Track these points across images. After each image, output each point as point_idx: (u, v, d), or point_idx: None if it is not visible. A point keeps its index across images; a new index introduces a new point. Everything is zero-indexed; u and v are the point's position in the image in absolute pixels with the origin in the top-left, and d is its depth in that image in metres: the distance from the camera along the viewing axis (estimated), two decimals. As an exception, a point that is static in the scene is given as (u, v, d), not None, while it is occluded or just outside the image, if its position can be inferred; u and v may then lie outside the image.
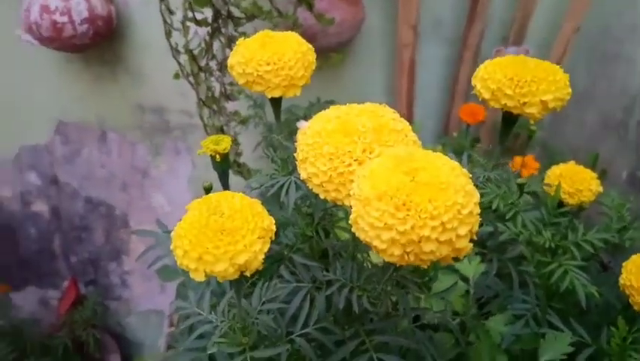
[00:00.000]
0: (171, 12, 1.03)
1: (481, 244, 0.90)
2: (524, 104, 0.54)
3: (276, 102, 0.65)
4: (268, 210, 0.53)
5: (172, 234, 0.44)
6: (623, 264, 0.78)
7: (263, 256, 0.43)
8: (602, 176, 1.38)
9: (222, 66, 1.07)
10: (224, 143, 0.68)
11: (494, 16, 1.62)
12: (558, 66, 0.56)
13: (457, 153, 1.39)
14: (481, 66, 0.58)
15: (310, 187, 0.52)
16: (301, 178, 0.52)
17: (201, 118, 1.09)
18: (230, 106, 1.24)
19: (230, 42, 1.06)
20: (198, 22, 1.03)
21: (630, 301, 0.76)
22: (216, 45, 1.11)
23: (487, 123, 1.58)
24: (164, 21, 1.06)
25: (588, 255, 0.90)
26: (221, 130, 1.11)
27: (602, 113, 1.57)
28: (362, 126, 0.50)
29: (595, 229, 0.88)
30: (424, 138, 1.80)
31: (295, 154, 0.57)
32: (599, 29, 1.56)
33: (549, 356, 0.74)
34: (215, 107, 1.08)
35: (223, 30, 1.04)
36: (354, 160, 0.49)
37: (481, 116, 1.41)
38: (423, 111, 1.79)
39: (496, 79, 0.54)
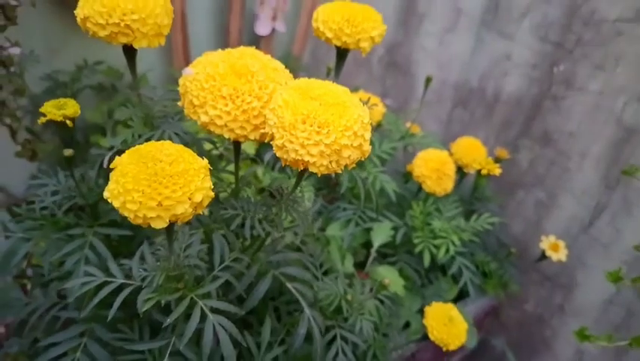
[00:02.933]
0: None
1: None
2: (359, 40, 0.67)
3: (131, 54, 0.62)
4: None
5: (110, 192, 0.42)
6: (414, 160, 1.05)
7: (212, 192, 0.46)
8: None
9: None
10: (70, 106, 0.62)
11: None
12: (371, 8, 0.71)
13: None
14: (318, 10, 0.69)
15: (212, 129, 0.55)
16: (201, 122, 0.55)
17: (-22, 91, 0.89)
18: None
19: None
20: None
21: (423, 186, 1.03)
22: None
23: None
24: None
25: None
26: (2, 105, 0.93)
27: (352, 53, 1.90)
28: (252, 67, 0.55)
29: (384, 141, 1.13)
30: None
31: (179, 103, 0.58)
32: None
33: (380, 241, 0.96)
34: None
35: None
36: (254, 97, 0.54)
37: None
38: (201, 66, 1.81)
39: (336, 20, 0.66)
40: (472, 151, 1.15)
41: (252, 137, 0.55)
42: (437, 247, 0.97)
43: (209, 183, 0.45)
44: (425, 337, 0.90)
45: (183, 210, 0.43)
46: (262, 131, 0.55)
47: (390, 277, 0.92)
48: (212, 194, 0.46)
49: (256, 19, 1.79)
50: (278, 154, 0.50)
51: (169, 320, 0.50)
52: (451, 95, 1.64)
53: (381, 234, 0.97)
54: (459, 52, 1.58)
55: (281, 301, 0.84)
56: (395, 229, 1.01)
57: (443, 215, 1.04)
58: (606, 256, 1.30)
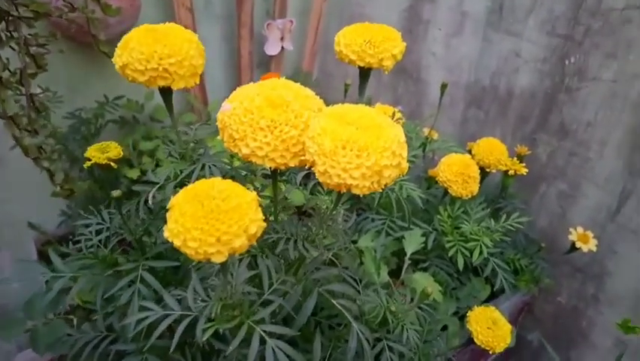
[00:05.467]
0: None
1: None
2: (381, 59, 0.70)
3: (168, 95, 0.65)
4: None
5: (169, 232, 0.45)
6: (439, 166, 1.07)
7: (264, 222, 0.48)
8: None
9: (24, 76, 0.93)
10: (112, 148, 0.65)
11: (257, -8, 1.77)
12: (389, 27, 0.73)
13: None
14: (339, 35, 0.72)
15: (253, 160, 0.57)
16: (242, 154, 0.57)
17: (17, 140, 0.93)
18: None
19: (28, 47, 0.93)
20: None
21: (450, 191, 1.05)
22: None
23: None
24: None
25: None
26: (40, 149, 0.97)
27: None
28: (287, 97, 0.57)
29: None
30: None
31: (219, 137, 0.61)
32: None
33: (412, 249, 0.98)
34: (25, 122, 0.94)
35: (15, 34, 0.90)
36: (291, 127, 0.56)
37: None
38: (214, 89, 1.85)
39: (358, 43, 0.69)
40: (493, 151, 1.16)
41: (291, 164, 0.57)
42: (469, 250, 0.98)
43: (260, 215, 0.48)
44: (467, 341, 0.91)
45: (240, 243, 0.45)
46: (302, 158, 0.57)
47: (427, 283, 0.94)
48: (265, 224, 0.48)
49: (265, 40, 1.83)
50: (321, 179, 0.53)
51: (231, 348, 0.52)
52: (464, 96, 1.66)
53: (413, 242, 0.99)
54: (467, 54, 1.60)
55: (322, 315, 0.86)
56: (425, 235, 1.02)
57: (472, 218, 1.05)
58: (636, 242, 1.30)
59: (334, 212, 0.67)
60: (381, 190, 0.54)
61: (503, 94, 1.54)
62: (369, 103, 1.85)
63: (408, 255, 0.97)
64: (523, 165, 1.15)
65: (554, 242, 1.49)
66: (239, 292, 0.55)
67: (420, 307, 0.80)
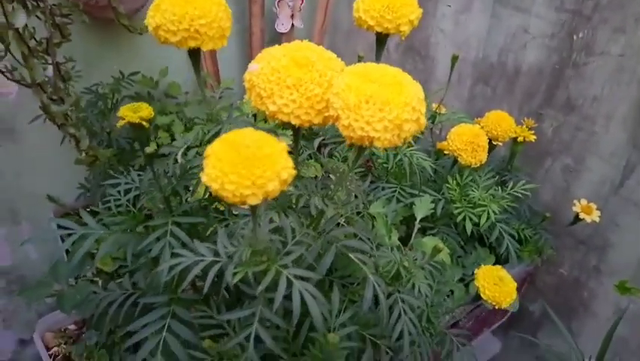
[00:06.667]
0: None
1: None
2: (399, 24, 0.73)
3: (196, 56, 0.69)
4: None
5: (207, 176, 0.49)
6: (448, 135, 1.10)
7: (294, 170, 0.52)
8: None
9: (50, 45, 0.96)
10: (144, 108, 0.69)
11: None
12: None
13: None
14: (358, 1, 0.75)
15: (279, 118, 0.61)
16: (269, 112, 0.61)
17: (45, 107, 0.97)
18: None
19: (54, 16, 0.96)
20: None
21: (459, 159, 1.08)
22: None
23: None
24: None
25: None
26: (66, 116, 1.01)
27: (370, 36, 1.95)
28: (311, 57, 0.61)
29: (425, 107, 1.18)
30: (238, 93, 1.87)
31: (246, 97, 0.64)
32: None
33: (422, 214, 1.02)
34: (51, 90, 0.98)
35: (41, 4, 0.93)
36: (316, 85, 0.60)
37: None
38: (226, 67, 1.87)
39: (377, 8, 0.72)
40: (502, 122, 1.19)
41: (315, 121, 0.61)
42: (477, 216, 1.02)
43: (291, 163, 0.52)
44: (472, 300, 0.95)
45: (273, 186, 0.49)
46: (325, 114, 0.61)
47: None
48: (295, 172, 0.52)
49: (276, 18, 1.85)
50: (344, 133, 0.56)
51: (260, 288, 0.57)
52: (471, 73, 1.68)
53: (423, 207, 1.02)
54: (476, 30, 1.62)
55: (335, 276, 0.91)
56: (434, 202, 1.06)
57: (480, 185, 1.09)
58: (639, 214, 1.33)
59: (351, 173, 0.71)
60: (401, 143, 0.57)
61: (511, 70, 1.56)
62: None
63: (418, 220, 1.01)
64: (532, 133, 1.19)
65: (558, 216, 1.53)
66: (265, 241, 0.60)
67: (431, 266, 0.84)
